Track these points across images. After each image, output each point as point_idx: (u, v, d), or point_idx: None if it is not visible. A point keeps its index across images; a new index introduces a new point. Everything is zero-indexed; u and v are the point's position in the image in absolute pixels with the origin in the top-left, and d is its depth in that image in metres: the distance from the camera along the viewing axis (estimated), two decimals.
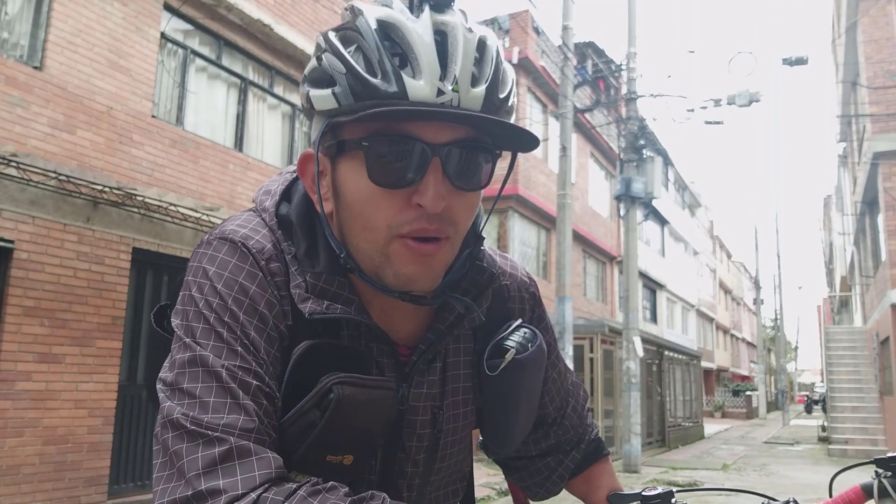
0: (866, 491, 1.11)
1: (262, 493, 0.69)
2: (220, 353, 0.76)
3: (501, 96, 0.80)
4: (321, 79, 0.80)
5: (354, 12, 0.80)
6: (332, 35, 0.81)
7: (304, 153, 0.87)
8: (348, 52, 0.78)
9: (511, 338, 0.95)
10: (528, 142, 0.81)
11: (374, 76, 0.76)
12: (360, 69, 0.76)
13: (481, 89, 0.77)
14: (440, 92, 0.75)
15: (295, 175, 0.94)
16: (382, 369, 0.87)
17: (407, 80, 0.75)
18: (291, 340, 0.82)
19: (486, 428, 1.03)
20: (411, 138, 0.76)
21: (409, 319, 0.92)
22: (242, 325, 0.78)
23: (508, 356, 0.93)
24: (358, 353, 0.84)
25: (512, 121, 0.82)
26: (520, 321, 0.99)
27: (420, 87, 0.74)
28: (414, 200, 0.77)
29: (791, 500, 1.04)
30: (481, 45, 0.80)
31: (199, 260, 0.83)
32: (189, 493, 0.69)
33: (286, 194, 0.91)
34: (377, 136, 0.76)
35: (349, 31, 0.80)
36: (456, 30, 0.77)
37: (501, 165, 0.87)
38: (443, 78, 0.75)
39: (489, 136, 0.80)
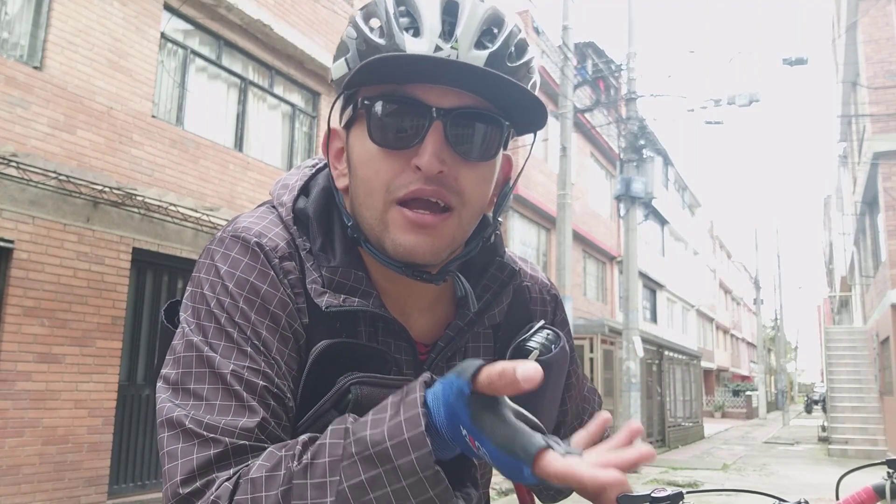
0: (878, 491, 1.10)
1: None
2: (229, 353, 0.75)
3: (510, 64, 0.80)
4: (340, 50, 0.84)
5: None
6: (357, 13, 0.84)
7: (330, 129, 0.90)
8: (370, 23, 0.81)
9: (534, 339, 0.91)
10: (534, 113, 0.80)
11: (381, 39, 0.78)
12: (368, 34, 0.79)
13: (483, 52, 0.77)
14: (438, 48, 0.76)
15: (314, 170, 0.94)
16: (400, 366, 0.85)
17: (408, 38, 0.77)
18: (308, 338, 0.81)
19: None
20: (413, 100, 0.77)
21: (426, 314, 0.90)
22: (253, 324, 0.77)
23: (531, 358, 0.89)
24: (377, 351, 0.82)
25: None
26: (542, 322, 0.96)
27: (418, 43, 0.76)
28: (413, 163, 0.77)
29: (802, 500, 1.03)
30: (494, 18, 0.80)
31: (211, 257, 0.82)
32: (175, 499, 0.68)
33: (305, 189, 0.91)
34: (379, 96, 0.78)
35: (370, 6, 0.82)
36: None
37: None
38: (443, 36, 0.76)
39: (498, 107, 0.80)
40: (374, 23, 0.80)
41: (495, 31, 0.80)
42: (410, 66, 0.75)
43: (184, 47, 8.15)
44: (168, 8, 7.84)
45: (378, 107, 0.78)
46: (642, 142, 13.15)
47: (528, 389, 0.58)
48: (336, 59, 0.84)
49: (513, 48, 0.81)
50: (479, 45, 0.78)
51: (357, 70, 0.75)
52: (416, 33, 0.77)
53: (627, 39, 13.34)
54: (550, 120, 16.86)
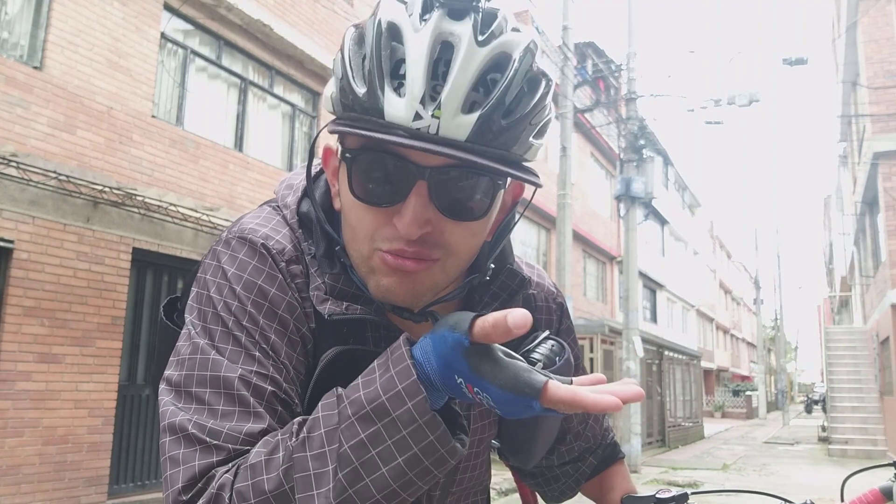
0: (885, 493, 1.09)
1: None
2: (236, 358, 0.74)
3: (505, 122, 0.70)
4: (330, 82, 0.78)
5: (376, 9, 0.75)
6: (350, 32, 0.76)
7: (326, 146, 0.86)
8: (356, 55, 0.73)
9: (537, 350, 0.88)
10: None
11: (362, 86, 0.71)
12: (351, 77, 0.72)
13: (472, 116, 0.68)
14: (417, 116, 0.68)
15: (318, 169, 0.91)
16: None
17: (388, 96, 0.69)
18: (316, 343, 0.80)
19: (508, 442, 0.99)
20: (396, 157, 0.71)
21: (427, 323, 0.88)
22: (262, 328, 0.76)
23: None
24: None
25: (538, 143, 0.75)
26: (547, 332, 0.93)
27: (398, 107, 0.68)
28: (394, 221, 0.73)
29: (808, 501, 1.03)
30: (497, 60, 0.70)
31: (217, 258, 0.81)
32: None
33: (308, 190, 0.89)
34: (362, 150, 0.73)
35: (362, 29, 0.75)
36: (461, 43, 0.69)
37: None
38: (425, 100, 0.68)
39: (493, 160, 0.72)
40: (363, 61, 0.72)
41: (495, 78, 0.70)
42: (382, 137, 0.68)
43: (184, 47, 8.15)
44: (168, 8, 7.84)
45: (359, 162, 0.73)
46: (642, 142, 13.15)
47: (521, 335, 0.60)
48: (327, 87, 0.78)
49: (517, 93, 0.71)
50: (469, 105, 0.69)
51: (332, 130, 0.73)
52: (398, 90, 0.69)
53: (627, 39, 13.34)
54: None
